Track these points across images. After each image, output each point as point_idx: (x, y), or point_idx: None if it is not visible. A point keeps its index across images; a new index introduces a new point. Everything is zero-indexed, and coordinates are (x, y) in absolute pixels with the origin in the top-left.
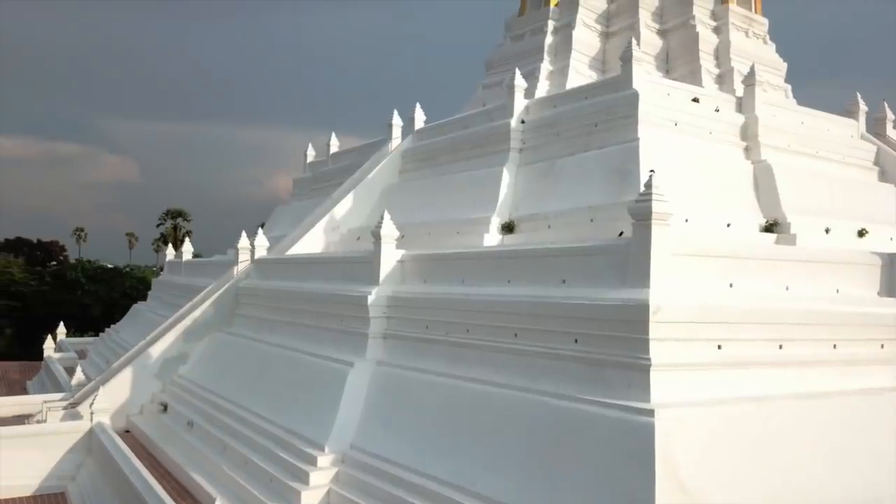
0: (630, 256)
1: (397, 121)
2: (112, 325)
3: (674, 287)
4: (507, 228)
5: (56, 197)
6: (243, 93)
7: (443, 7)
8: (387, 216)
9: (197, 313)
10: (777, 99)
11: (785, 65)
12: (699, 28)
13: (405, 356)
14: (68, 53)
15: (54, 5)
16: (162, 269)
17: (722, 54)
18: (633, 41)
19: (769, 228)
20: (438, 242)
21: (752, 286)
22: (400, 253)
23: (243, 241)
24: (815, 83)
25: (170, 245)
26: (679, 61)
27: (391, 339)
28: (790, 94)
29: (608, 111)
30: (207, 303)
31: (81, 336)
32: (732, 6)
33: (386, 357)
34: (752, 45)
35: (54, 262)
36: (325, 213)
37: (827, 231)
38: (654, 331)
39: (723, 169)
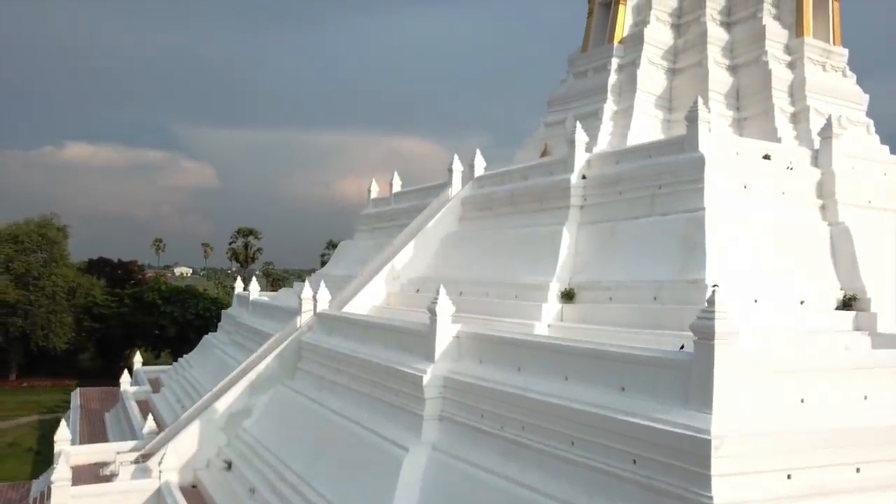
0: (692, 375)
1: (457, 166)
2: (184, 356)
3: (739, 409)
4: (567, 296)
5: (138, 202)
6: (312, 98)
7: (516, 14)
8: (443, 291)
9: (261, 367)
10: (856, 145)
11: (866, 97)
12: (772, 64)
13: (460, 443)
14: (149, 63)
15: (137, 21)
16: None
17: (797, 91)
18: (700, 101)
19: (847, 303)
20: (496, 306)
21: (825, 400)
22: (456, 328)
23: (306, 291)
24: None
25: (241, 266)
26: (750, 100)
27: (447, 421)
28: (872, 129)
29: (673, 173)
30: (271, 356)
31: (157, 354)
32: (808, 39)
33: (441, 441)
34: (830, 79)
35: (133, 281)
36: (385, 262)
37: None
38: (717, 466)
39: (796, 236)
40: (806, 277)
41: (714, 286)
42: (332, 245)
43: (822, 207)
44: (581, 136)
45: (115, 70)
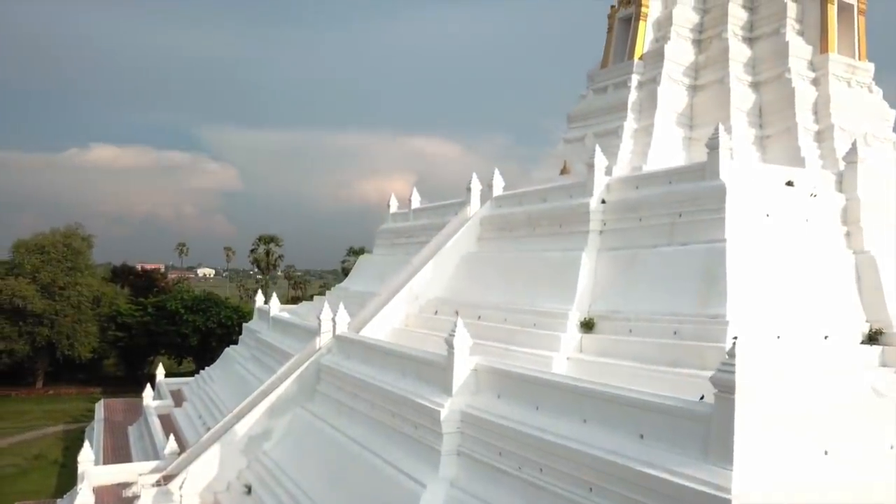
0: (712, 428)
1: (476, 184)
2: (206, 369)
3: (760, 464)
4: (587, 326)
5: (162, 203)
6: (334, 99)
7: (536, 16)
8: (460, 323)
9: (281, 390)
10: (883, 166)
11: (893, 112)
12: (795, 82)
13: (478, 481)
14: (173, 65)
15: (161, 24)
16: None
17: (821, 109)
18: (721, 127)
19: (873, 337)
20: (514, 334)
21: (849, 451)
22: (474, 361)
23: (325, 312)
24: None
25: (262, 273)
26: (773, 117)
27: (465, 457)
28: None
29: (693, 201)
30: (291, 379)
31: (179, 361)
32: (833, 55)
33: (459, 478)
34: (856, 96)
35: (156, 289)
36: (404, 282)
37: None
38: None
39: (820, 266)
40: (830, 310)
41: (734, 338)
42: (353, 252)
43: (847, 235)
44: (600, 160)
45: (140, 72)
